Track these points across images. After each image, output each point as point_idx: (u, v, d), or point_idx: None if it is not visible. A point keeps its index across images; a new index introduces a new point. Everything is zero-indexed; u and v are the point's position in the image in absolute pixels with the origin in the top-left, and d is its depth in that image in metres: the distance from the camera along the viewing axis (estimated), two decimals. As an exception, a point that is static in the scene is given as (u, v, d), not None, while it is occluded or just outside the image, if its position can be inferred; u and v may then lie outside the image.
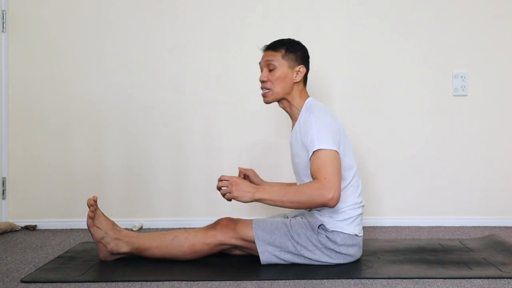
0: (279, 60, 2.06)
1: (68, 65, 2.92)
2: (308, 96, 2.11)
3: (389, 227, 2.84)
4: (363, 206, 2.07)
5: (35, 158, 2.91)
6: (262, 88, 2.11)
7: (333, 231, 1.96)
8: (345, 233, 1.97)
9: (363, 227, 2.74)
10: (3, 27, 2.88)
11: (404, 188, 2.90)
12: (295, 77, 2.07)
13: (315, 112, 1.99)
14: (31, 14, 2.91)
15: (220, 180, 1.94)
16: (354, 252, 2.01)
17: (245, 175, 2.21)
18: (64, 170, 2.91)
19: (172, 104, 2.90)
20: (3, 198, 2.91)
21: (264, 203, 1.92)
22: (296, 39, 2.16)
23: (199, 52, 2.92)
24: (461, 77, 2.86)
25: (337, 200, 1.86)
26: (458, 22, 2.88)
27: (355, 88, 2.91)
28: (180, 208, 2.93)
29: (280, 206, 1.93)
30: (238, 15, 2.91)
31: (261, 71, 2.11)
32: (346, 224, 1.98)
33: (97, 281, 1.84)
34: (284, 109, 2.15)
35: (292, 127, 2.13)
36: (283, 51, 2.07)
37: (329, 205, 1.86)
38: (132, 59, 2.91)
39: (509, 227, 2.82)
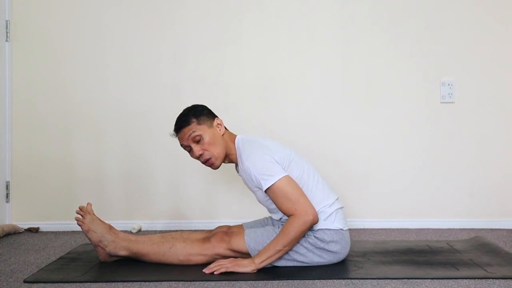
0: (199, 128, 2.06)
1: (69, 71, 2.95)
2: (235, 136, 2.13)
3: (378, 229, 2.87)
4: (337, 199, 2.11)
5: (37, 162, 2.95)
6: (203, 161, 2.08)
7: (319, 229, 2.01)
8: (331, 229, 2.02)
9: (353, 229, 2.80)
10: (7, 36, 2.92)
11: (393, 191, 2.93)
12: (220, 130, 2.11)
13: (245, 153, 2.03)
14: (33, 24, 2.95)
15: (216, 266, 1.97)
16: (342, 248, 2.05)
17: None
18: (65, 174, 2.95)
19: (170, 107, 2.86)
20: (6, 201, 2.94)
21: (267, 263, 1.97)
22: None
23: (196, 56, 2.94)
24: (448, 84, 2.89)
25: (316, 215, 1.97)
26: (448, 30, 2.91)
27: (348, 93, 2.93)
28: (178, 211, 2.95)
29: (282, 255, 1.98)
30: (235, 17, 2.93)
31: (189, 151, 2.09)
32: (329, 221, 2.03)
33: (98, 281, 1.88)
34: (228, 162, 2.16)
35: (237, 168, 2.16)
36: (194, 119, 2.07)
37: (315, 223, 1.98)
38: (130, 64, 2.94)
39: (494, 229, 2.84)
